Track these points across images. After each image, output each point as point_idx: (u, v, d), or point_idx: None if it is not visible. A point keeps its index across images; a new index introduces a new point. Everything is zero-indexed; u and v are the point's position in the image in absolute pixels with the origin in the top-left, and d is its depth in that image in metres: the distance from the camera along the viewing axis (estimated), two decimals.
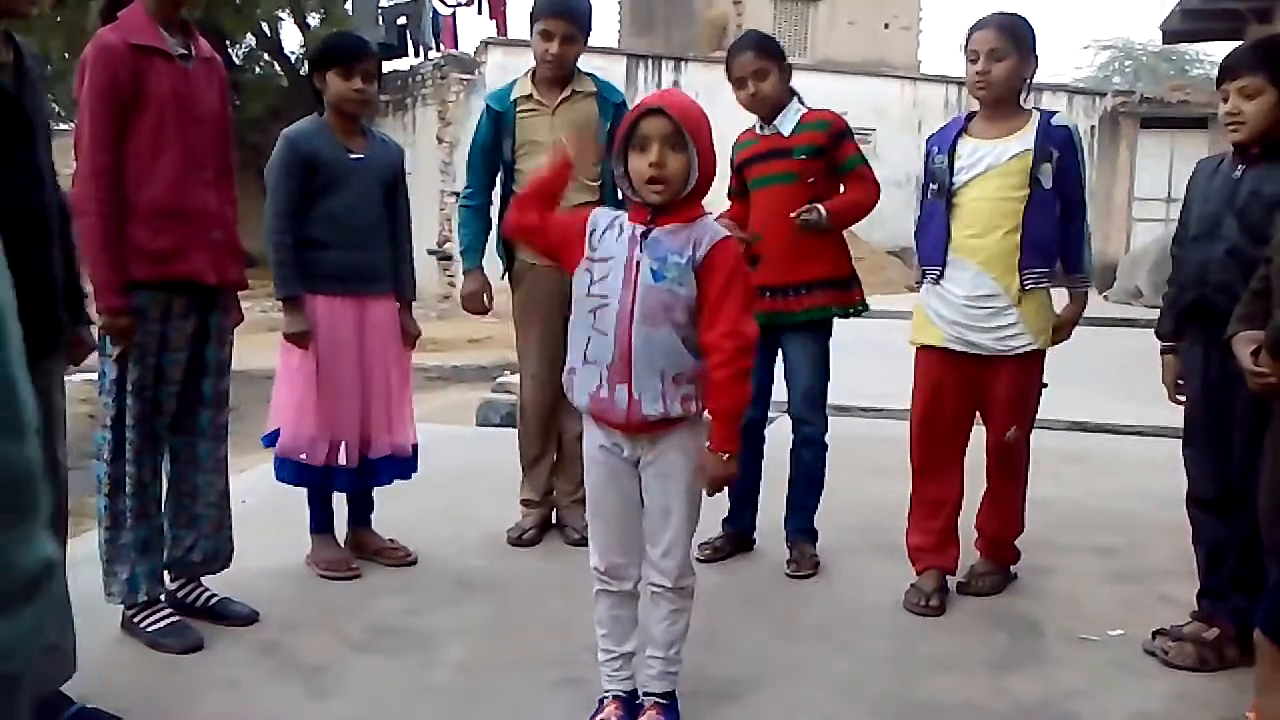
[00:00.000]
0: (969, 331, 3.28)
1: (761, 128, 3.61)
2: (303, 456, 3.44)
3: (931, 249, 3.34)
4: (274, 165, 3.41)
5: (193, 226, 2.88)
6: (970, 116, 3.38)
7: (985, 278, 3.24)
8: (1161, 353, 3.13)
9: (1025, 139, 3.22)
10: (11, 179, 2.22)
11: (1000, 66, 3.20)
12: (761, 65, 3.53)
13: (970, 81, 3.28)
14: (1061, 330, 3.36)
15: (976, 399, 3.36)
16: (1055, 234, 3.28)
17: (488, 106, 3.87)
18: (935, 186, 3.33)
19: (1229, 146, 2.92)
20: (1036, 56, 3.28)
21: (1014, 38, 3.21)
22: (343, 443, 3.46)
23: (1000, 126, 3.27)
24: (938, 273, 3.32)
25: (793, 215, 3.45)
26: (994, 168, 3.23)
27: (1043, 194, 3.22)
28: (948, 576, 3.41)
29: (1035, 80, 3.38)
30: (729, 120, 3.71)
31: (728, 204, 3.73)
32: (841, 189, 3.60)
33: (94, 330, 2.75)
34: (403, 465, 3.62)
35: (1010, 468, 3.42)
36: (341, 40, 3.60)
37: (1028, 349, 3.26)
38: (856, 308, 3.65)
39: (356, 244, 3.44)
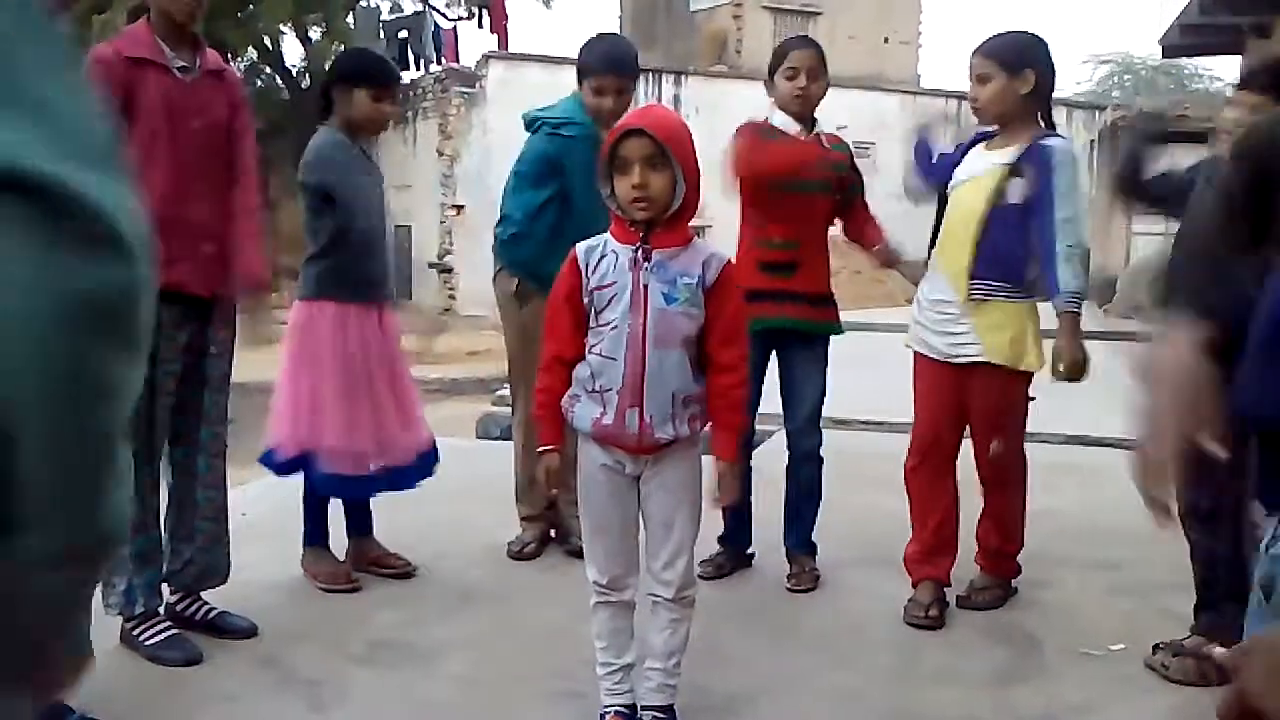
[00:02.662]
0: (927, 333, 3.34)
1: (801, 132, 3.55)
2: (346, 470, 3.42)
3: (928, 249, 3.47)
4: (309, 166, 3.44)
5: (181, 238, 2.85)
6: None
7: (945, 284, 3.30)
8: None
9: (1011, 154, 3.25)
10: None
11: (986, 90, 3.24)
12: (819, 66, 3.54)
13: (970, 107, 3.35)
14: (1061, 359, 3.19)
15: (958, 409, 3.35)
16: (1017, 249, 3.22)
17: (551, 132, 3.66)
18: (940, 188, 3.42)
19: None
20: (1039, 69, 3.23)
21: (1000, 59, 3.23)
22: (369, 449, 3.45)
23: (1003, 140, 3.32)
24: (928, 267, 3.43)
25: (879, 259, 3.62)
26: (972, 177, 3.30)
27: (1006, 209, 3.20)
28: (945, 588, 3.41)
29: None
30: (731, 131, 3.72)
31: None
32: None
33: None
34: (415, 471, 3.59)
35: (1002, 481, 3.41)
36: (375, 62, 3.64)
37: (974, 360, 3.24)
38: (838, 327, 3.69)
39: (369, 251, 3.46)
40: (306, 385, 3.43)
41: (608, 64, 3.60)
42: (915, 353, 3.42)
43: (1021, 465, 3.44)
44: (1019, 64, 3.22)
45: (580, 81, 3.65)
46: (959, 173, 3.35)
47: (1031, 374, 3.30)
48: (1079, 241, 3.18)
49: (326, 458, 3.43)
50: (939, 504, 3.40)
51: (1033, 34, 3.31)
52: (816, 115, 3.63)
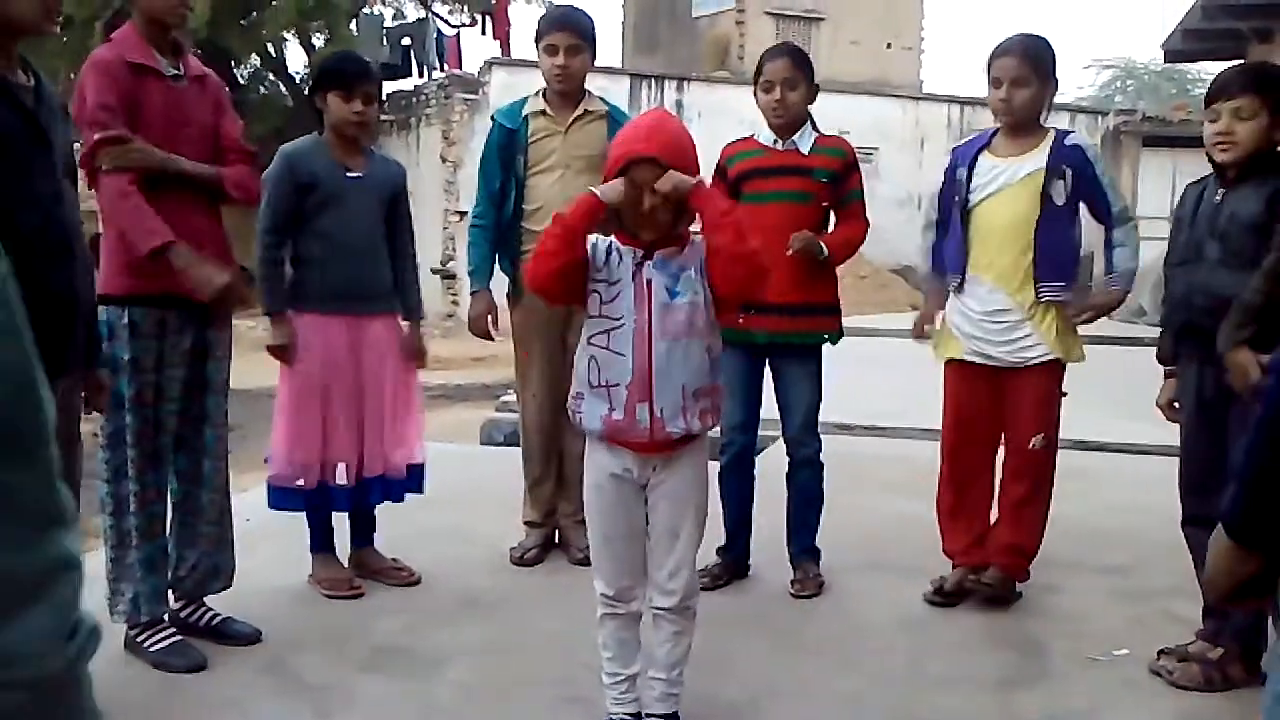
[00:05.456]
0: (986, 345, 3.39)
1: (775, 142, 3.57)
2: (299, 482, 3.44)
3: (951, 261, 3.47)
4: (267, 180, 3.40)
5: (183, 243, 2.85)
6: (994, 134, 3.46)
7: (999, 293, 3.35)
8: (1165, 376, 3.14)
9: (1039, 158, 3.31)
10: (34, 194, 2.24)
11: (1022, 93, 3.29)
12: (793, 75, 3.52)
13: (993, 106, 3.38)
14: (1083, 314, 3.37)
15: (1001, 410, 3.43)
16: (1070, 248, 3.37)
17: (498, 124, 3.85)
18: (957, 199, 3.43)
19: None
20: (1057, 78, 3.37)
21: (1035, 64, 3.30)
22: (339, 463, 3.46)
23: (1017, 145, 3.37)
24: (958, 281, 3.43)
25: (792, 244, 3.40)
26: (1007, 186, 3.34)
27: (1055, 210, 3.30)
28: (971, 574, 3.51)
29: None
30: (732, 138, 3.72)
31: None
32: (832, 218, 3.62)
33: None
34: (400, 485, 3.60)
35: (1036, 478, 3.44)
36: (343, 62, 3.58)
37: (1044, 359, 3.34)
38: (834, 336, 3.65)
39: (351, 262, 3.43)
40: (280, 397, 3.47)
41: (550, 22, 3.80)
42: (957, 362, 3.46)
43: (1053, 461, 3.47)
44: (1050, 70, 3.34)
45: (537, 49, 3.82)
46: (980, 185, 3.37)
47: (1065, 369, 3.42)
48: (1134, 224, 3.39)
49: (274, 470, 3.45)
50: (979, 503, 3.51)
51: (1046, 39, 3.38)
52: (812, 120, 3.61)
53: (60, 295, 2.33)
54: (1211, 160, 2.90)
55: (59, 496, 0.72)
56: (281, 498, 3.49)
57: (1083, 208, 3.38)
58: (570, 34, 3.73)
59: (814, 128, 3.60)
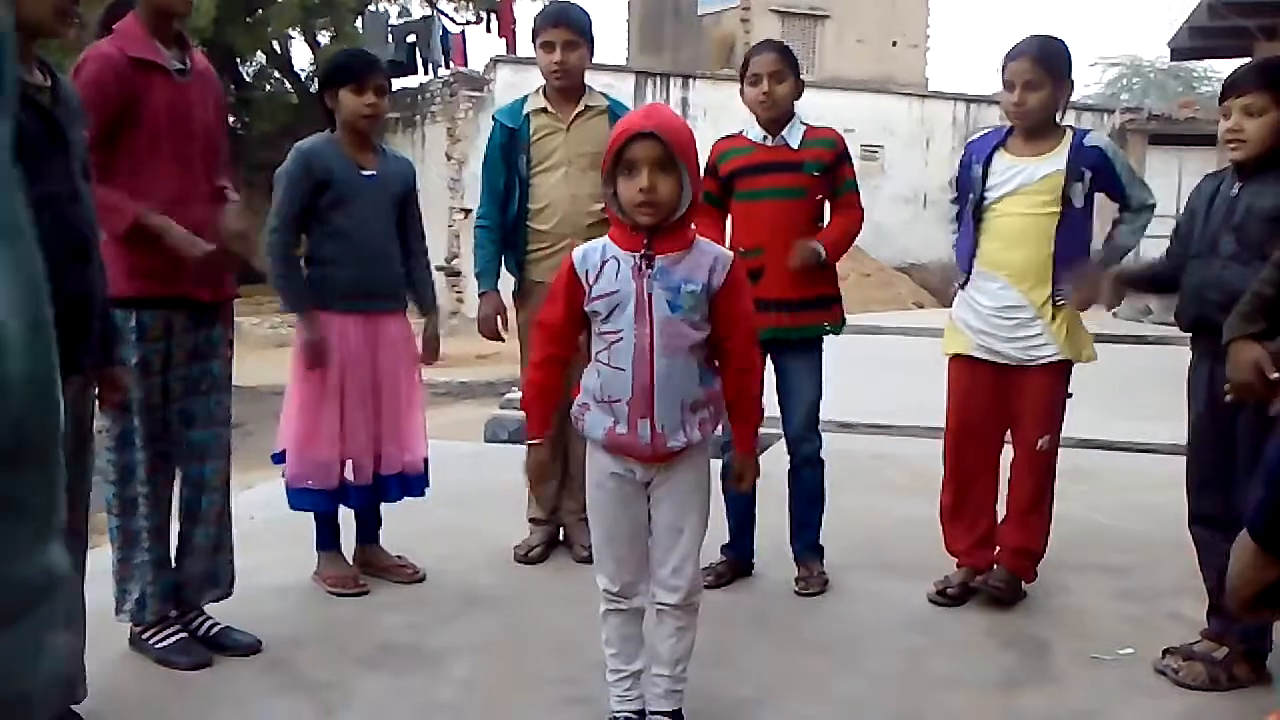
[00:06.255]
0: (995, 341, 3.38)
1: (765, 138, 3.57)
2: (310, 483, 3.43)
3: (960, 257, 3.48)
4: (281, 177, 3.40)
5: None
6: (1010, 131, 3.44)
7: (1011, 290, 3.34)
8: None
9: (1058, 159, 3.30)
10: (49, 195, 2.24)
11: (1035, 96, 3.27)
12: (780, 69, 3.52)
13: (1005, 109, 3.37)
14: (1078, 294, 3.32)
15: (1006, 408, 3.42)
16: (1082, 251, 3.37)
17: (499, 124, 3.84)
18: (971, 197, 3.42)
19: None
20: (1072, 80, 3.36)
21: (1049, 66, 3.28)
22: (353, 461, 3.46)
23: (1035, 145, 3.35)
24: (964, 279, 3.44)
25: (793, 261, 3.42)
26: (1025, 186, 3.32)
27: (1074, 213, 3.30)
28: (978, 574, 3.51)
29: None
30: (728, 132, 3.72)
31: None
32: (827, 209, 3.62)
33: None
34: (414, 482, 3.61)
35: (1042, 478, 3.44)
36: (352, 58, 3.57)
37: (1054, 359, 3.33)
38: (836, 327, 3.65)
39: (366, 260, 3.43)
40: (290, 395, 3.47)
41: (546, 19, 3.79)
42: (962, 358, 3.45)
43: (1055, 462, 3.47)
44: (1065, 72, 3.32)
45: (534, 46, 3.82)
46: (997, 183, 3.36)
47: (1071, 369, 3.41)
48: (1149, 208, 3.38)
49: (293, 471, 3.45)
50: (984, 502, 3.50)
51: (1061, 39, 3.36)
52: (799, 114, 3.61)
53: (75, 295, 2.31)
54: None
55: (61, 508, 0.71)
56: (302, 499, 3.48)
57: (1096, 206, 3.38)
58: (566, 30, 3.72)
59: (801, 121, 3.60)
